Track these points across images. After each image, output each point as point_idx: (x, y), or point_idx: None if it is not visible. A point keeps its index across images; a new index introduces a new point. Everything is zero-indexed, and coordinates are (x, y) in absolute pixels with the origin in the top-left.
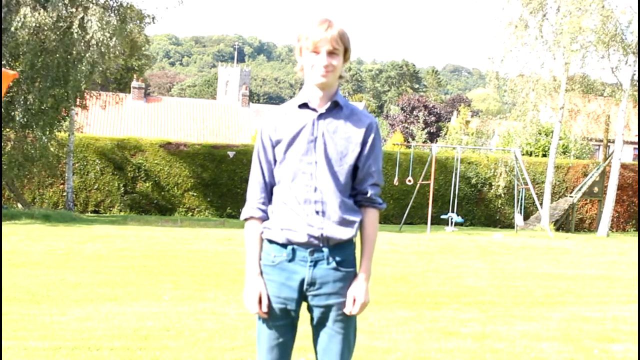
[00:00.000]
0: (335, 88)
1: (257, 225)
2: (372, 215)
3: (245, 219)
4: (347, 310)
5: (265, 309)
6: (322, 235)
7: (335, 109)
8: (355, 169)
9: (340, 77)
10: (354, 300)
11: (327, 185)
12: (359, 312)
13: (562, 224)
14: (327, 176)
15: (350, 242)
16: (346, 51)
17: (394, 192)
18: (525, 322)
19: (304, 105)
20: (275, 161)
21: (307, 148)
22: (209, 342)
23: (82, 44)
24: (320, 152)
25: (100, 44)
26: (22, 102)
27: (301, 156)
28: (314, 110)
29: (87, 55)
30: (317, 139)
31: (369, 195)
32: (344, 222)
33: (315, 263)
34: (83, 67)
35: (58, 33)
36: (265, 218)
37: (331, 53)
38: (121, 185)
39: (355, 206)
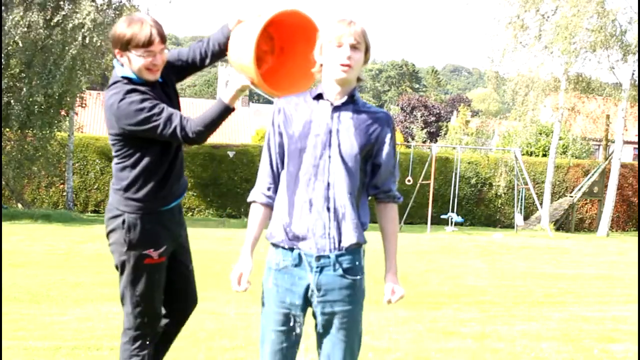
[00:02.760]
0: (353, 86)
1: (260, 210)
2: (393, 211)
3: (250, 202)
4: (386, 299)
5: (244, 285)
6: (329, 234)
7: (350, 103)
8: (366, 163)
9: (359, 79)
10: (393, 291)
11: (340, 182)
12: (396, 302)
13: (562, 224)
14: (340, 172)
15: (359, 248)
16: (367, 51)
17: None
18: (525, 322)
19: (319, 97)
20: (284, 150)
21: (321, 142)
22: (208, 342)
23: (75, 42)
24: (334, 147)
25: (91, 41)
26: (20, 102)
27: (313, 150)
28: (329, 102)
29: (75, 52)
30: (331, 132)
31: (391, 192)
32: (355, 224)
33: (321, 269)
34: (76, 65)
35: (54, 32)
36: (270, 204)
37: (354, 47)
38: None
39: (366, 207)
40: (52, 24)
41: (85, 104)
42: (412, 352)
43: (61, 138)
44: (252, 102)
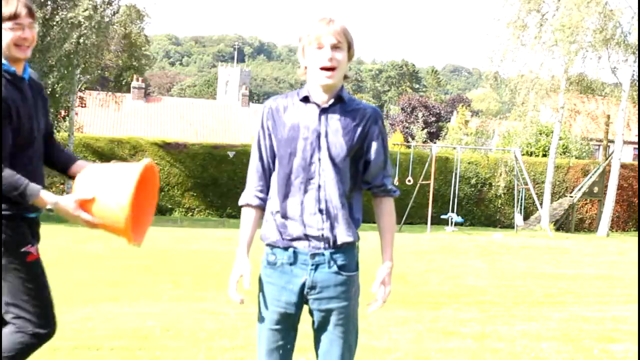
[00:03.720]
0: (340, 86)
1: (252, 212)
2: (389, 205)
3: (242, 206)
4: (373, 299)
5: (246, 286)
6: (322, 235)
7: (338, 103)
8: (357, 162)
9: (345, 77)
10: (383, 284)
11: (331, 183)
12: (386, 298)
13: (562, 224)
14: (331, 174)
15: (353, 245)
16: (350, 47)
17: None
18: (525, 322)
19: (306, 99)
20: (274, 151)
21: (310, 145)
22: (208, 342)
23: (71, 39)
24: (324, 150)
25: (88, 38)
26: None
27: (303, 154)
28: (316, 105)
29: (70, 48)
30: (320, 135)
31: (384, 187)
32: (347, 223)
33: (316, 267)
34: (72, 62)
35: (53, 31)
36: (262, 206)
37: (335, 47)
38: None
39: (360, 203)
40: (51, 23)
41: (85, 104)
42: (412, 352)
43: (61, 138)
44: (252, 102)
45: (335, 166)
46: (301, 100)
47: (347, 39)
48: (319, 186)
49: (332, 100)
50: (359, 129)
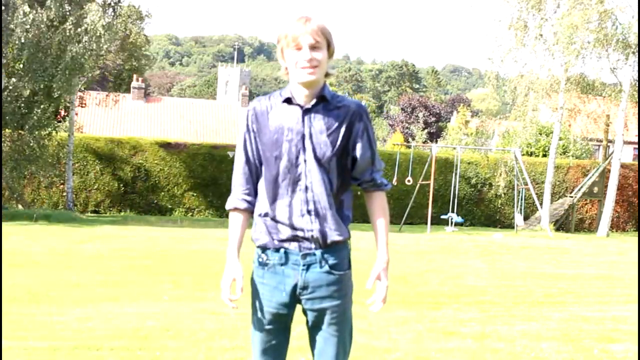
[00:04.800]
0: (322, 85)
1: (241, 216)
2: (380, 199)
3: (230, 210)
4: (370, 300)
5: (239, 292)
6: (312, 237)
7: (321, 103)
8: (345, 160)
9: (327, 74)
10: (378, 279)
11: (318, 184)
12: (385, 298)
13: (562, 224)
14: (318, 175)
15: (344, 244)
16: (329, 46)
17: (394, 192)
18: (525, 322)
19: (289, 101)
20: (260, 154)
21: (295, 147)
22: (208, 342)
23: (76, 42)
24: (309, 151)
25: (92, 41)
26: (17, 100)
27: (288, 156)
28: (299, 106)
29: (75, 51)
30: (304, 137)
31: (374, 181)
32: (337, 222)
33: (307, 267)
34: (76, 65)
35: (57, 32)
36: (250, 209)
37: (314, 47)
38: (121, 185)
39: (350, 199)
40: (56, 23)
41: (85, 104)
42: (412, 352)
43: (61, 138)
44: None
45: (322, 166)
46: (284, 101)
47: (326, 37)
48: (306, 187)
49: (314, 101)
50: (344, 127)
